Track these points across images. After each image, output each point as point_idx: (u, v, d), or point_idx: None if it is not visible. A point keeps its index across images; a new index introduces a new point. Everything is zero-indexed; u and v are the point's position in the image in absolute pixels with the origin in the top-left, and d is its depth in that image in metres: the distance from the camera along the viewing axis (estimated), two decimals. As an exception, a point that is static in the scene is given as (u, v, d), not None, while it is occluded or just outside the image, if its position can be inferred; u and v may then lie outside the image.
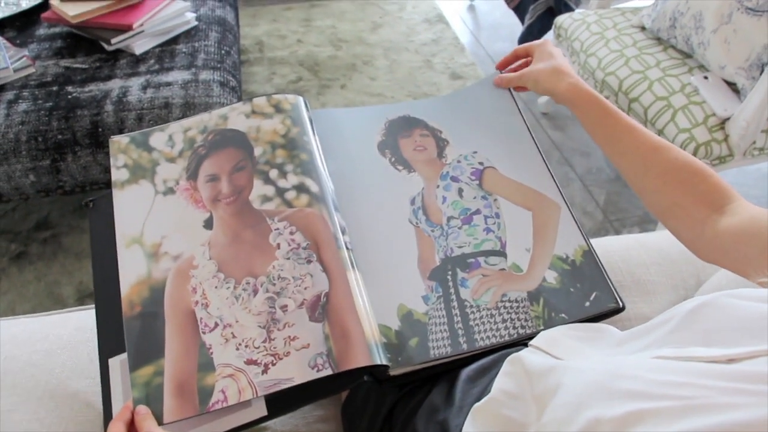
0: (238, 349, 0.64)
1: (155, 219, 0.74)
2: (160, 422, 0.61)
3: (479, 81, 0.95)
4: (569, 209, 0.80)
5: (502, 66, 0.94)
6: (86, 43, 1.78)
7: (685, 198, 0.68)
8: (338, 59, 2.62)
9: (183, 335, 0.65)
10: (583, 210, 1.90)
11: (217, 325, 0.65)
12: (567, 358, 0.56)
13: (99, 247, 0.84)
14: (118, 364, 0.74)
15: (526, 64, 0.91)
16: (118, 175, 0.77)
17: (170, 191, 0.75)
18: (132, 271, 0.71)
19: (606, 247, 0.97)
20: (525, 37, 2.36)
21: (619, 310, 0.75)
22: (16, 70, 1.63)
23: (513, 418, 0.54)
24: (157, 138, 0.80)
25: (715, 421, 0.35)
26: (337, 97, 2.40)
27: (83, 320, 0.87)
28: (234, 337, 0.64)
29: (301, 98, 0.82)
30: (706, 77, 1.56)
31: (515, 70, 0.92)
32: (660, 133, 1.56)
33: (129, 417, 0.61)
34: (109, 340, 0.77)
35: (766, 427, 0.34)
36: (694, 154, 1.50)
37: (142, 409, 0.61)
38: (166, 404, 0.62)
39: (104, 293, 0.81)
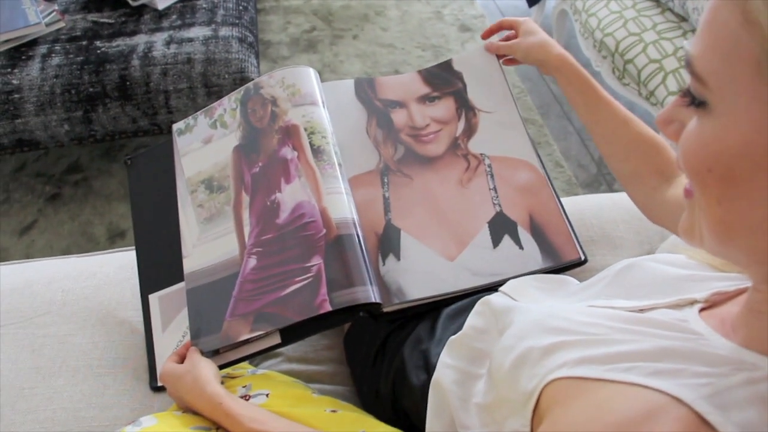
0: None
1: None
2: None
3: (470, 53, 1.04)
4: (550, 183, 0.91)
5: (487, 35, 1.02)
6: (111, -4, 1.88)
7: (643, 167, 0.79)
8: (351, 9, 2.68)
9: None
10: (579, 163, 2.00)
11: None
12: (525, 303, 0.69)
13: (137, 198, 0.98)
14: (156, 300, 0.89)
15: (509, 39, 0.98)
16: None
17: None
18: None
19: (582, 204, 1.09)
20: (533, -8, 2.40)
21: (581, 263, 0.87)
22: (47, 25, 1.74)
23: (481, 349, 0.67)
24: None
25: (607, 351, 0.48)
26: (350, 48, 2.48)
27: (125, 260, 1.02)
28: None
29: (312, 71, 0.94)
30: (698, 41, 1.63)
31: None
32: (651, 94, 1.66)
33: (184, 352, 0.79)
34: (149, 280, 0.92)
35: (638, 356, 0.47)
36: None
37: (192, 345, 0.79)
38: None
39: (144, 239, 0.95)
